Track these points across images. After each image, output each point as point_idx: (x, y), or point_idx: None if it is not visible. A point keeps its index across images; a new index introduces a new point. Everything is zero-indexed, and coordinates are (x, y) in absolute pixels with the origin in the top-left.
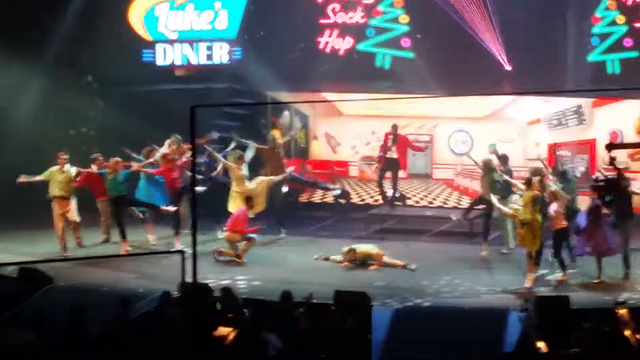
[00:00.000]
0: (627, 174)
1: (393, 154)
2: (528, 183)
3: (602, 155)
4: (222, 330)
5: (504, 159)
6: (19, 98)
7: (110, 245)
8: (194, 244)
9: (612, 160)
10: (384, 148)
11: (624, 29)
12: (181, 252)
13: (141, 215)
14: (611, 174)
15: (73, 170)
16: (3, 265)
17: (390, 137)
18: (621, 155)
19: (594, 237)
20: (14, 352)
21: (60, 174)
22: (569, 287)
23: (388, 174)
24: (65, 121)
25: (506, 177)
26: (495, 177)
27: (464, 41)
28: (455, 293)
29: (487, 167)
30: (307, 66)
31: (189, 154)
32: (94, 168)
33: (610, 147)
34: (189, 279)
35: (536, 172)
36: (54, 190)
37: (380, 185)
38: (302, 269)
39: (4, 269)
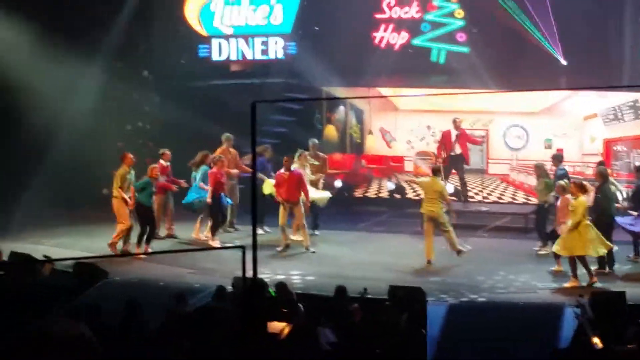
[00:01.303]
0: None
1: (457, 149)
2: (582, 188)
3: None
4: (277, 325)
5: (557, 159)
6: (76, 92)
7: (166, 241)
8: (254, 239)
9: None
10: (449, 146)
11: None
12: (242, 247)
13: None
14: None
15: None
16: (60, 260)
17: (453, 133)
18: None
19: None
20: (70, 344)
21: (130, 176)
22: (626, 282)
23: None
24: (121, 115)
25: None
26: (548, 182)
27: (519, 36)
28: (511, 288)
29: (541, 171)
30: (362, 61)
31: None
32: (162, 163)
33: None
34: (247, 274)
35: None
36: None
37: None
38: (356, 264)
39: (61, 264)
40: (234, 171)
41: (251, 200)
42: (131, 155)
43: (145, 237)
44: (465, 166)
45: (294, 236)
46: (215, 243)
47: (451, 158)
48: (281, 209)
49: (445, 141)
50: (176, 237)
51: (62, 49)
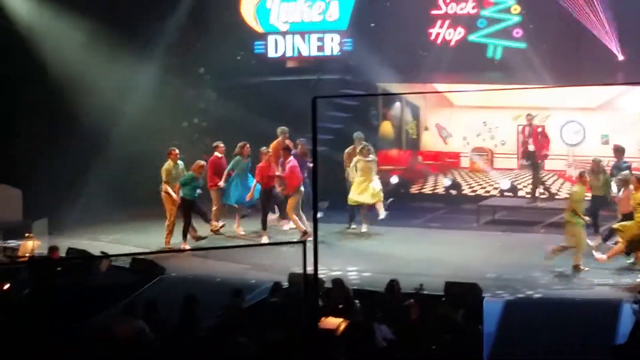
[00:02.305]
0: None
1: (530, 146)
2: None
3: None
4: (334, 321)
5: (620, 151)
6: (132, 90)
7: (218, 237)
8: (315, 235)
9: None
10: (525, 142)
11: None
12: (303, 242)
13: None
14: None
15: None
16: (117, 256)
17: (527, 128)
18: None
19: None
20: (127, 340)
21: (177, 169)
22: None
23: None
24: (178, 112)
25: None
26: (606, 178)
27: (576, 31)
28: (568, 284)
29: (598, 167)
30: (418, 57)
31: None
32: (217, 155)
33: None
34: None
35: None
36: (174, 185)
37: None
38: (412, 260)
39: (119, 260)
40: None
41: (312, 196)
42: (176, 151)
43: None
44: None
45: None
46: (264, 238)
47: (528, 154)
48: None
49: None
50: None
51: (117, 46)
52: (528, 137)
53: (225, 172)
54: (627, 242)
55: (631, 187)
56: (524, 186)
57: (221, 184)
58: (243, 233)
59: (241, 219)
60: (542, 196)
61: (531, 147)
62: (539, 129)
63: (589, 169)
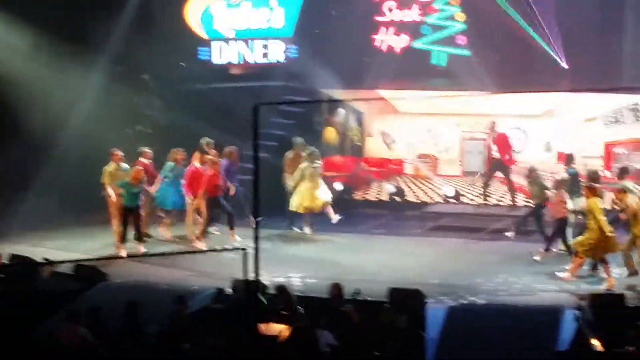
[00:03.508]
0: None
1: (495, 153)
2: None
3: None
4: (277, 327)
5: (569, 159)
6: (76, 96)
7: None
8: (256, 241)
9: None
10: (489, 149)
11: None
12: (243, 249)
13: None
14: None
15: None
16: (60, 263)
17: (491, 135)
18: None
19: None
20: (70, 347)
21: (119, 172)
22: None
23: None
24: (122, 119)
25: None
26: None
27: (520, 38)
28: (511, 290)
29: (533, 175)
30: (363, 64)
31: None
32: (143, 161)
33: None
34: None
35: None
36: (115, 188)
37: (485, 187)
38: (356, 267)
39: (62, 267)
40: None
41: (253, 201)
42: (119, 153)
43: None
44: (470, 169)
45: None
46: (201, 244)
47: (493, 161)
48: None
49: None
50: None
51: (63, 54)
52: (493, 144)
53: (158, 178)
54: (590, 251)
55: (563, 191)
56: (467, 193)
57: (152, 189)
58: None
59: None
60: (451, 200)
61: (495, 155)
62: (500, 136)
63: (524, 177)
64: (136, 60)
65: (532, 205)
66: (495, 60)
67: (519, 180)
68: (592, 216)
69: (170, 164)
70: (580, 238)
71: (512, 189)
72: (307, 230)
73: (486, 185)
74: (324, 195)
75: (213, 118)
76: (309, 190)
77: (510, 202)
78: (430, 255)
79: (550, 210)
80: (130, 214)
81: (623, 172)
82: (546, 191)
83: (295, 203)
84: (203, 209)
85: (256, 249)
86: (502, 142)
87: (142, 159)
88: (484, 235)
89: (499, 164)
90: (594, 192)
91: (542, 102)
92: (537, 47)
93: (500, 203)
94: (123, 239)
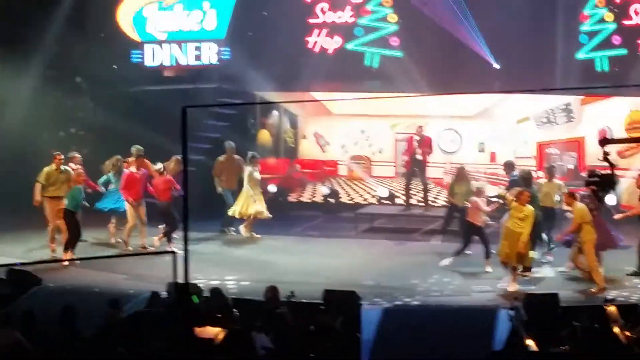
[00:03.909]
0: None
1: (418, 155)
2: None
3: (591, 152)
4: (212, 331)
5: (509, 166)
6: (9, 99)
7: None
8: (186, 244)
9: (606, 156)
10: (411, 151)
11: (613, 26)
12: (173, 252)
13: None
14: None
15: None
16: None
17: (417, 138)
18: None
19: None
20: (3, 353)
21: (59, 174)
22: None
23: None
24: (55, 122)
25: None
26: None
27: (452, 40)
28: (445, 291)
29: (462, 174)
30: (296, 66)
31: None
32: (72, 166)
33: (605, 142)
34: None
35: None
36: (49, 190)
37: (407, 189)
38: (291, 269)
39: None
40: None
41: (183, 207)
42: (60, 156)
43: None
44: (404, 170)
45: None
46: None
47: (413, 163)
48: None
49: (408, 146)
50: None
51: None
52: (418, 147)
53: (99, 187)
54: (514, 256)
55: (478, 199)
56: (402, 194)
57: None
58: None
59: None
60: (386, 202)
61: (419, 157)
62: (427, 139)
63: (453, 176)
64: (69, 63)
65: (452, 204)
66: (428, 61)
67: (446, 177)
68: (524, 223)
69: (112, 174)
70: (501, 249)
71: (427, 190)
72: (242, 231)
73: (408, 187)
74: (260, 206)
75: (146, 120)
76: (252, 197)
77: (423, 203)
78: (364, 256)
79: (469, 215)
80: (71, 218)
81: (550, 172)
82: (472, 192)
83: (237, 208)
84: (142, 215)
85: (185, 252)
86: (427, 145)
87: (71, 164)
88: (418, 236)
89: (419, 165)
90: (526, 199)
91: (475, 103)
92: (469, 48)
93: (434, 204)
94: (70, 243)
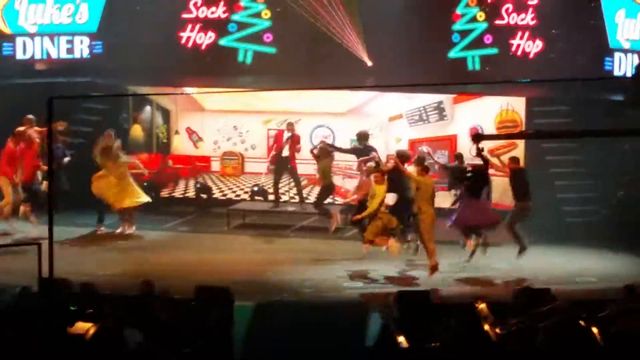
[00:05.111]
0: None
1: (286, 152)
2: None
3: (463, 150)
4: (82, 326)
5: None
6: None
7: None
8: (51, 236)
9: (480, 151)
10: (279, 146)
11: (484, 25)
12: (38, 244)
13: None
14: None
15: None
16: None
17: (287, 135)
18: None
19: (474, 209)
20: None
21: None
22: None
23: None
24: None
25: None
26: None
27: (325, 36)
28: (319, 288)
29: (322, 152)
30: (169, 61)
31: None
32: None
33: (478, 138)
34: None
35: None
36: None
37: (276, 185)
38: (163, 264)
39: None
40: None
41: (48, 196)
42: None
43: None
44: (271, 166)
45: None
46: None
47: (281, 159)
48: None
49: (276, 141)
50: None
51: None
52: (285, 143)
53: None
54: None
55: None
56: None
57: None
58: None
59: None
60: (258, 198)
61: (286, 153)
62: (296, 137)
63: (314, 154)
64: None
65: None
66: (301, 57)
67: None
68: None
69: None
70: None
71: (300, 185)
72: (129, 230)
73: (277, 183)
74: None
75: (16, 113)
76: (127, 187)
77: (297, 198)
78: (237, 252)
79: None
80: None
81: (402, 158)
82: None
83: (124, 200)
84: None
85: (50, 244)
86: (296, 142)
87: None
88: (290, 233)
89: (288, 161)
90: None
91: (347, 100)
92: (342, 45)
93: (307, 200)
94: None
